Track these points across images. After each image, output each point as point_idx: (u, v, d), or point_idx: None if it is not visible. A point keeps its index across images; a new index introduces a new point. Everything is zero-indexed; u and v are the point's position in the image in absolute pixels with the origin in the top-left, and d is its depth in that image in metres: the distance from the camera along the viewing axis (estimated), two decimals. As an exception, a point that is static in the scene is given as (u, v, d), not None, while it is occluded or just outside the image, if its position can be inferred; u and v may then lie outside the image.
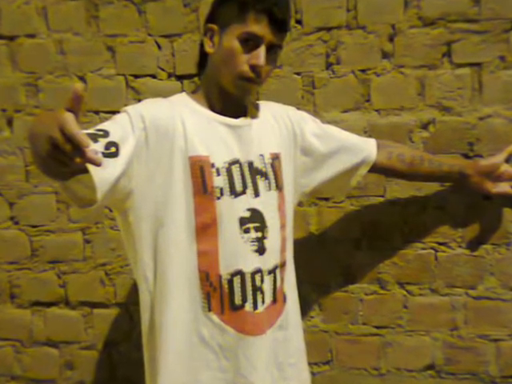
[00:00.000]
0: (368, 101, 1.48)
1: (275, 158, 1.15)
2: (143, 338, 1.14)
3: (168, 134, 1.04)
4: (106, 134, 0.96)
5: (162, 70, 1.54)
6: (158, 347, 1.08)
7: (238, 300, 1.08)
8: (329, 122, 1.36)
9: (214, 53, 1.10)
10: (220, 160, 1.07)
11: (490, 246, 1.46)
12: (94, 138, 0.93)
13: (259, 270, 1.09)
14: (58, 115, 0.74)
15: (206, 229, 1.06)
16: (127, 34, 1.54)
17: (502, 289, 1.46)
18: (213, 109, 1.12)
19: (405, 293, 1.51)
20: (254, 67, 1.05)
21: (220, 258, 1.07)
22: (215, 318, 1.07)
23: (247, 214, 1.09)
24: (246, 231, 1.08)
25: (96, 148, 0.89)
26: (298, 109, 1.30)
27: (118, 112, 1.06)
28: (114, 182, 0.96)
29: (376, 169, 1.31)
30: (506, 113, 1.42)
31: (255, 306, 1.09)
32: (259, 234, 1.09)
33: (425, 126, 1.46)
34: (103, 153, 0.93)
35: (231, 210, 1.07)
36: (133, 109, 1.04)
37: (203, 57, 1.15)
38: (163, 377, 1.07)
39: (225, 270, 1.07)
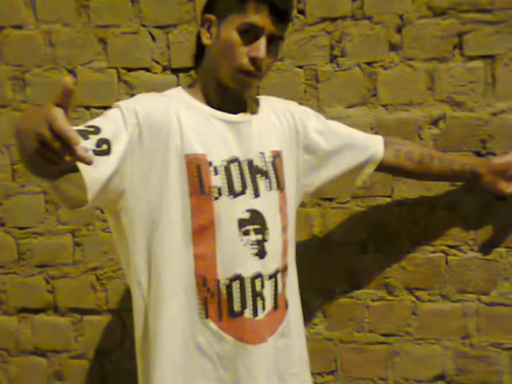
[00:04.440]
0: (375, 95, 1.48)
1: (276, 156, 1.15)
2: (136, 347, 1.14)
3: (163, 130, 1.04)
4: (97, 130, 0.96)
5: (157, 62, 1.54)
6: (153, 356, 1.08)
7: (237, 306, 1.08)
8: (333, 118, 1.36)
9: (211, 45, 1.10)
10: (218, 158, 1.07)
11: (504, 249, 1.47)
12: (85, 134, 0.93)
13: (259, 275, 1.09)
14: (47, 111, 0.74)
15: (203, 231, 1.06)
16: (119, 24, 1.54)
17: (516, 294, 1.47)
18: (210, 104, 1.12)
19: (413, 299, 1.51)
20: (253, 60, 1.05)
21: (218, 262, 1.07)
22: (213, 325, 1.07)
23: (247, 216, 1.09)
24: (246, 233, 1.08)
25: (86, 145, 0.90)
26: (301, 104, 1.30)
27: (110, 107, 1.06)
28: (106, 181, 0.96)
29: (383, 167, 1.31)
30: (521, 108, 1.42)
31: (255, 313, 1.09)
32: (259, 237, 1.10)
33: (435, 122, 1.46)
34: (94, 150, 0.93)
35: (230, 211, 1.07)
36: (125, 104, 1.04)
37: (200, 49, 1.15)
38: (158, 387, 1.07)
39: (223, 275, 1.07)
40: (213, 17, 1.08)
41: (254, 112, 1.17)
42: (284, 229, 1.15)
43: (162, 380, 1.07)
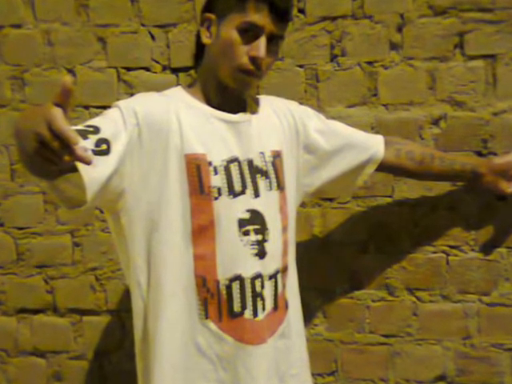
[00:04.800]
0: (375, 95, 1.48)
1: (276, 155, 1.15)
2: (136, 348, 1.14)
3: (162, 130, 1.04)
4: (96, 130, 0.96)
5: (156, 62, 1.54)
6: (152, 357, 1.08)
7: (236, 307, 1.08)
8: (333, 118, 1.36)
9: (211, 44, 1.10)
10: (218, 158, 1.07)
11: (505, 249, 1.46)
12: (84, 134, 0.93)
13: (259, 275, 1.09)
14: (46, 110, 0.74)
15: (202, 231, 1.06)
16: (119, 23, 1.54)
17: (517, 295, 1.47)
18: (210, 103, 1.12)
19: (414, 299, 1.51)
20: (253, 59, 1.05)
21: (218, 263, 1.07)
22: (212, 326, 1.07)
23: (247, 216, 1.09)
24: (246, 234, 1.08)
25: (86, 145, 0.90)
26: (301, 103, 1.30)
27: (110, 107, 1.06)
28: (105, 181, 0.96)
29: (384, 167, 1.31)
30: (522, 108, 1.42)
31: (255, 314, 1.09)
32: (259, 237, 1.09)
33: (436, 122, 1.46)
34: (93, 150, 0.93)
35: (229, 211, 1.07)
36: (125, 103, 1.04)
37: (200, 48, 1.15)
38: (157, 388, 1.07)
39: (223, 275, 1.07)
40: (212, 16, 1.08)
41: (253, 112, 1.17)
42: (284, 229, 1.15)
43: (161, 381, 1.07)
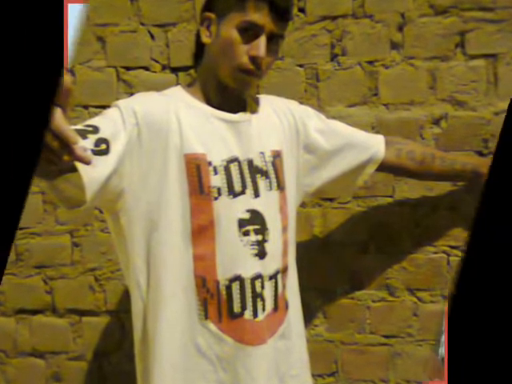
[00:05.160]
0: (376, 95, 1.48)
1: (276, 155, 1.15)
2: (135, 348, 1.14)
3: (162, 130, 1.04)
4: (95, 130, 0.96)
5: (156, 61, 1.54)
6: (152, 358, 1.08)
7: (236, 307, 1.08)
8: (334, 118, 1.36)
9: (211, 43, 1.10)
10: (217, 158, 1.07)
11: (506, 249, 1.46)
12: (83, 134, 0.93)
13: (259, 276, 1.09)
14: (45, 110, 0.74)
15: (202, 231, 1.06)
16: (118, 23, 1.54)
17: (518, 295, 1.46)
18: (210, 103, 1.12)
19: (415, 300, 1.51)
20: (253, 58, 1.05)
21: (217, 263, 1.07)
22: (212, 326, 1.07)
23: (246, 216, 1.09)
24: (246, 234, 1.08)
25: (85, 145, 0.90)
26: (301, 103, 1.30)
27: (109, 107, 1.06)
28: (105, 181, 0.96)
29: (384, 167, 1.31)
30: (523, 107, 1.42)
31: (255, 314, 1.09)
32: (259, 237, 1.09)
33: (436, 122, 1.46)
34: (93, 150, 0.93)
35: (229, 211, 1.07)
36: (124, 103, 1.04)
37: (200, 48, 1.15)
38: (157, 389, 1.07)
39: (223, 276, 1.07)
40: (212, 15, 1.08)
41: (253, 111, 1.17)
42: (284, 229, 1.15)
43: (161, 381, 1.07)
